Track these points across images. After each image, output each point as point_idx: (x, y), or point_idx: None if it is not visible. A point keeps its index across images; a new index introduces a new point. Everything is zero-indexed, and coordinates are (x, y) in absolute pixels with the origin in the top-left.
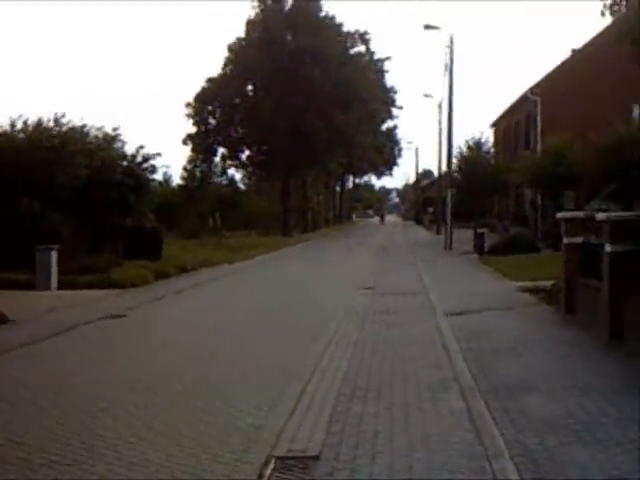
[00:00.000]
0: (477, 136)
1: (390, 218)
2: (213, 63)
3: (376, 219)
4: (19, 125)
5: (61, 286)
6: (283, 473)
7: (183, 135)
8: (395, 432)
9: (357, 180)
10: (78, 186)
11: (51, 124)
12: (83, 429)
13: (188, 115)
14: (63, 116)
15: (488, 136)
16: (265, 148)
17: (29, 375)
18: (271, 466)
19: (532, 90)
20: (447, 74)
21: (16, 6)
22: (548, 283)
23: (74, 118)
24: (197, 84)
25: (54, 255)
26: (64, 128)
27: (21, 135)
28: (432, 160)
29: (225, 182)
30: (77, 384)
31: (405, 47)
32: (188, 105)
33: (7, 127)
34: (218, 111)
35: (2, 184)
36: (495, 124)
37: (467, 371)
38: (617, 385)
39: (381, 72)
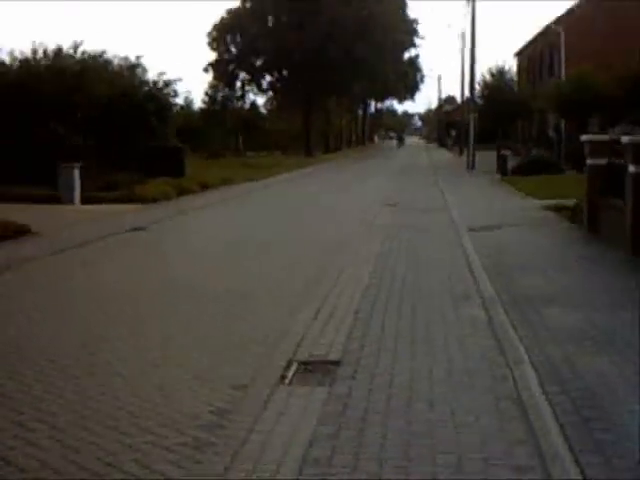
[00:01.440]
0: (501, 64)
1: (413, 140)
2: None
3: (391, 142)
4: (40, 52)
5: (84, 202)
6: None
7: (205, 64)
8: (417, 339)
9: (379, 105)
10: (100, 110)
11: (71, 52)
12: (112, 324)
13: (209, 44)
14: (81, 43)
15: (511, 65)
16: (285, 74)
17: (55, 283)
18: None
19: (556, 21)
20: (470, 4)
21: None
22: (571, 202)
23: (95, 47)
24: (218, 14)
25: (77, 171)
26: (85, 56)
27: (43, 62)
28: (455, 89)
29: (247, 107)
30: (101, 290)
31: None
32: (209, 34)
33: (29, 54)
34: (239, 39)
35: (30, 109)
36: (519, 53)
37: (489, 284)
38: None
39: (403, 4)
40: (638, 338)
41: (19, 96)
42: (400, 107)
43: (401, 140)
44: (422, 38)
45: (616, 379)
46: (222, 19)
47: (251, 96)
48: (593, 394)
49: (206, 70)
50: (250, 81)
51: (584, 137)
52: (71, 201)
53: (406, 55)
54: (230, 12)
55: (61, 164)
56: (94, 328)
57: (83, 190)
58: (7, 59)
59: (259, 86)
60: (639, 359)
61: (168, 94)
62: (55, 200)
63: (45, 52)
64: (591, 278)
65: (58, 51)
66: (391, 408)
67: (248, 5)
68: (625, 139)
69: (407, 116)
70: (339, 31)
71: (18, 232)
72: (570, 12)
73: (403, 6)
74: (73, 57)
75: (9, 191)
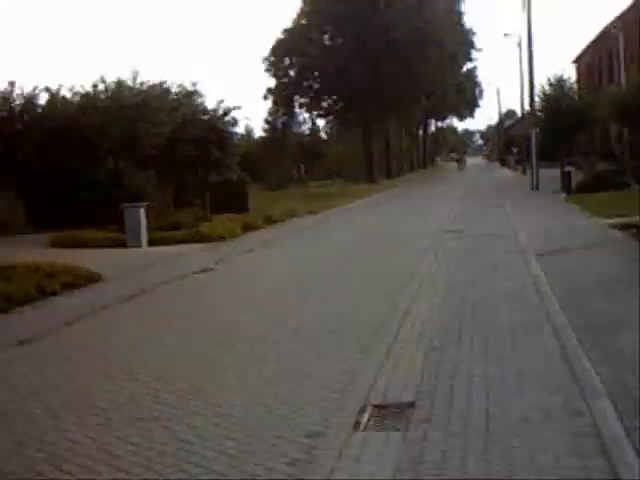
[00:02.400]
0: (559, 73)
1: (474, 160)
2: (286, 17)
3: (454, 164)
4: (100, 86)
5: (151, 243)
6: None
7: (263, 91)
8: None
9: (439, 124)
10: (161, 143)
11: (130, 82)
12: (194, 374)
13: (267, 69)
14: (139, 73)
15: (570, 73)
16: (344, 96)
17: (124, 328)
18: None
19: (614, 24)
20: (526, 11)
21: None
22: (638, 219)
23: (153, 76)
24: (273, 37)
25: (142, 212)
26: (144, 86)
27: (103, 95)
28: (515, 100)
29: (307, 132)
30: (172, 334)
31: None
32: (266, 59)
33: (89, 89)
34: (296, 62)
35: (88, 145)
36: (577, 60)
37: (560, 311)
38: None
39: (459, 14)
40: None
41: (79, 132)
42: (460, 125)
43: (460, 162)
44: (479, 50)
45: None
46: (279, 41)
47: (311, 121)
48: None
49: (265, 97)
50: (309, 105)
51: None
52: (138, 244)
53: (463, 68)
54: (286, 31)
55: (125, 204)
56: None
57: (148, 230)
58: (68, 94)
59: (318, 109)
60: None
61: (228, 123)
62: (120, 243)
63: (106, 85)
64: None
65: (118, 83)
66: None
67: (304, 22)
68: None
69: (468, 134)
70: (395, 47)
71: (88, 279)
72: (628, 13)
73: (459, 17)
74: (132, 88)
75: (73, 236)
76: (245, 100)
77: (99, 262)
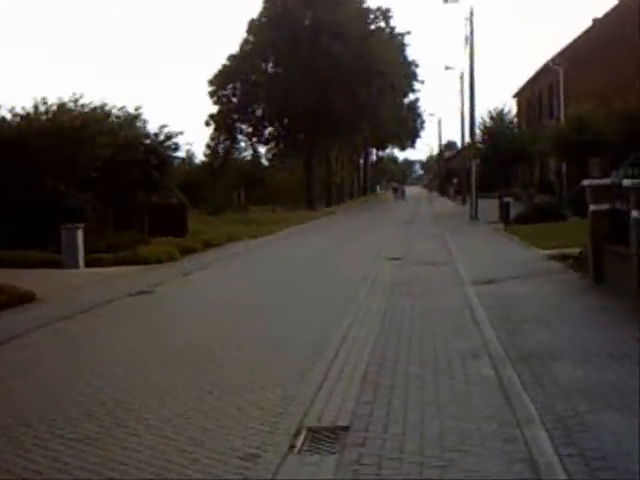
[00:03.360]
0: (500, 106)
1: (414, 189)
2: (231, 44)
3: (391, 193)
4: (42, 107)
5: (88, 264)
6: None
7: (205, 116)
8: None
9: (380, 153)
10: (101, 166)
11: (71, 105)
12: (129, 394)
13: (210, 93)
14: (82, 96)
15: (511, 106)
16: (287, 123)
17: (59, 351)
18: None
19: (554, 60)
20: (468, 46)
21: None
22: (576, 250)
23: (95, 99)
24: (217, 63)
25: (80, 233)
26: (85, 109)
27: (43, 117)
28: (455, 132)
29: (248, 158)
30: (106, 359)
31: (425, 21)
32: (210, 83)
33: (30, 110)
34: (239, 89)
35: (27, 166)
36: (518, 94)
37: (495, 340)
38: None
39: (402, 46)
40: None
41: (18, 152)
42: (401, 155)
43: (397, 191)
44: (422, 82)
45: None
46: (223, 67)
47: (251, 147)
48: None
49: (207, 123)
50: (252, 132)
51: (585, 182)
52: (75, 265)
53: (406, 99)
54: (231, 58)
55: (63, 225)
56: (99, 394)
57: (86, 251)
58: (8, 115)
59: (260, 136)
60: None
61: (169, 147)
62: (57, 264)
63: (47, 107)
64: (598, 329)
65: (59, 106)
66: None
67: (248, 50)
68: (627, 183)
69: (408, 164)
70: (339, 76)
71: (23, 299)
72: (568, 49)
73: (402, 49)
74: (74, 111)
75: (9, 255)
76: (187, 125)
77: (34, 282)
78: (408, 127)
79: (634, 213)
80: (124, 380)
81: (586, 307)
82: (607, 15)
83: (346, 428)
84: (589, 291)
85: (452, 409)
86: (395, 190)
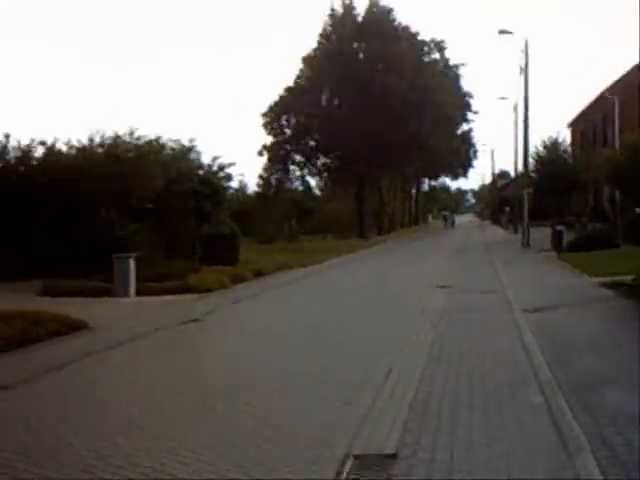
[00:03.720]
0: (554, 136)
1: (466, 218)
2: (287, 77)
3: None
4: (97, 139)
5: (139, 293)
6: None
7: (259, 147)
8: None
9: (432, 182)
10: (155, 197)
11: (127, 138)
12: (174, 426)
13: (264, 125)
14: (137, 129)
15: (565, 136)
16: (339, 154)
17: (109, 378)
18: None
19: (609, 90)
20: (522, 77)
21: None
22: (629, 278)
23: (149, 131)
24: (271, 96)
25: (132, 262)
26: (140, 141)
27: (99, 150)
28: (508, 161)
29: (301, 189)
30: (156, 386)
31: (480, 52)
32: (264, 115)
33: (86, 142)
34: (293, 120)
35: (81, 197)
36: (572, 124)
37: (546, 367)
38: None
39: (456, 77)
40: None
41: (73, 183)
42: (453, 184)
43: (447, 220)
44: (476, 112)
45: None
46: (279, 98)
47: (301, 179)
48: None
49: (260, 153)
50: (304, 163)
51: (639, 209)
52: (126, 294)
53: (459, 130)
54: (287, 90)
55: (115, 255)
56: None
57: (138, 280)
58: (64, 147)
59: (313, 167)
60: None
61: (222, 178)
62: (108, 292)
63: (102, 139)
64: None
65: (115, 138)
66: None
67: (303, 82)
68: None
69: (460, 193)
70: (392, 108)
71: (74, 327)
72: (624, 80)
73: (457, 80)
74: (129, 143)
75: (62, 284)
76: (241, 156)
77: (86, 311)
78: (461, 157)
79: None
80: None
81: (636, 334)
82: None
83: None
84: None
85: (500, 436)
86: (445, 219)
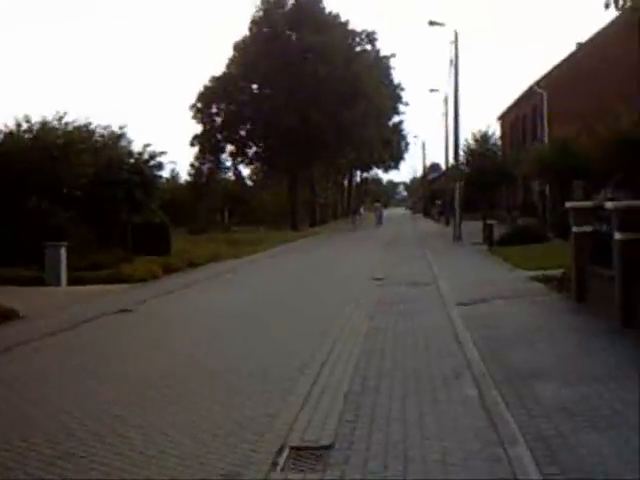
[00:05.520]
0: (484, 129)
1: (398, 211)
2: (218, 63)
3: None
4: (24, 125)
5: (70, 282)
6: None
7: (190, 135)
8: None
9: (364, 174)
10: (85, 184)
11: (55, 123)
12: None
13: (194, 113)
14: (65, 114)
15: (495, 129)
16: (271, 144)
17: (40, 367)
18: None
19: (538, 83)
20: (452, 69)
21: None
22: (558, 272)
23: (79, 117)
24: (203, 83)
25: (63, 251)
26: (69, 127)
27: (27, 135)
28: (439, 154)
29: (232, 178)
30: (87, 376)
31: (410, 44)
32: (193, 106)
33: (13, 127)
34: (223, 109)
35: (10, 184)
36: (502, 117)
37: (479, 359)
38: (634, 373)
39: (387, 69)
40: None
41: (1, 170)
42: (385, 176)
43: (377, 211)
44: (406, 104)
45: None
46: (206, 88)
47: (234, 168)
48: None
49: (192, 144)
50: (236, 152)
51: (568, 204)
52: (57, 283)
53: (391, 121)
54: (214, 80)
55: (46, 243)
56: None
57: (69, 269)
58: None
59: (245, 157)
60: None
61: (153, 167)
62: (39, 282)
63: (30, 125)
64: (581, 350)
65: (43, 124)
66: None
67: (233, 71)
68: (609, 205)
69: (392, 185)
70: (323, 98)
71: (5, 316)
72: (552, 73)
73: (387, 71)
74: (57, 129)
75: None
76: (172, 144)
77: (17, 300)
78: (392, 149)
79: (616, 235)
80: (92, 398)
81: (567, 327)
82: (591, 40)
83: (329, 447)
84: (571, 311)
85: (434, 428)
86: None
